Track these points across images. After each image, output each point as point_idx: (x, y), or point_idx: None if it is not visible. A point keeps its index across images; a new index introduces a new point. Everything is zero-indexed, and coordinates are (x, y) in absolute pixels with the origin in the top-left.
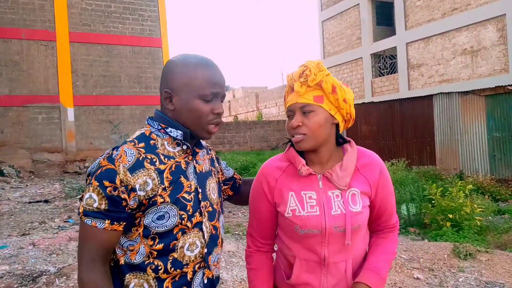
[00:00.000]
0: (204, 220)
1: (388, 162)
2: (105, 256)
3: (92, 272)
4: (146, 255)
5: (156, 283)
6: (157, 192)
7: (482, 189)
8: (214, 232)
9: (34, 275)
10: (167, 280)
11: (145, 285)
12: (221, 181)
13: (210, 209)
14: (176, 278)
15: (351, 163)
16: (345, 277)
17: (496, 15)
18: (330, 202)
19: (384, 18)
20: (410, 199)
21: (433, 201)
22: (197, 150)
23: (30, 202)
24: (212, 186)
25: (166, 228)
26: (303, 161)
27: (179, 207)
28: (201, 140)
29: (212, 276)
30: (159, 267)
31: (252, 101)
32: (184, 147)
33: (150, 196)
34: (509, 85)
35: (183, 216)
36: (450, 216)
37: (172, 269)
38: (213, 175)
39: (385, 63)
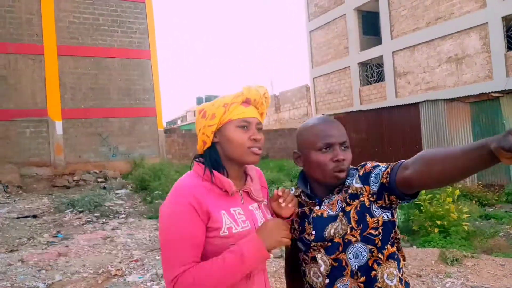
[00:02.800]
0: (318, 255)
1: None
2: None
3: None
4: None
5: None
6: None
7: (470, 194)
8: (335, 264)
9: None
10: None
11: None
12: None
13: (329, 244)
14: None
15: (256, 178)
16: (264, 286)
17: (478, 23)
18: (255, 215)
19: (371, 28)
20: (399, 206)
21: (421, 208)
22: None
23: (18, 218)
24: (334, 226)
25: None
26: (231, 181)
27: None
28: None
29: None
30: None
31: None
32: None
33: None
34: (493, 92)
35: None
36: (438, 222)
37: None
38: (340, 214)
39: (373, 72)
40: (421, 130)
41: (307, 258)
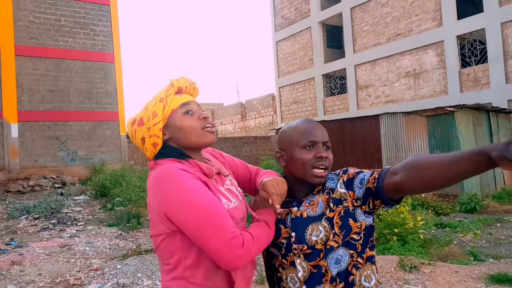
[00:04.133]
0: (298, 260)
1: None
2: None
3: None
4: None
5: None
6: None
7: (426, 204)
8: (314, 270)
9: None
10: None
11: None
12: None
13: (310, 251)
14: None
15: (210, 157)
16: (251, 262)
17: (435, 41)
18: (233, 191)
19: (335, 41)
20: None
21: (380, 216)
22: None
23: None
24: (315, 228)
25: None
26: (207, 164)
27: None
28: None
29: None
30: None
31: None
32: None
33: None
34: (448, 106)
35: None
36: (396, 230)
37: None
38: (323, 219)
39: (336, 84)
40: (381, 140)
41: (285, 262)
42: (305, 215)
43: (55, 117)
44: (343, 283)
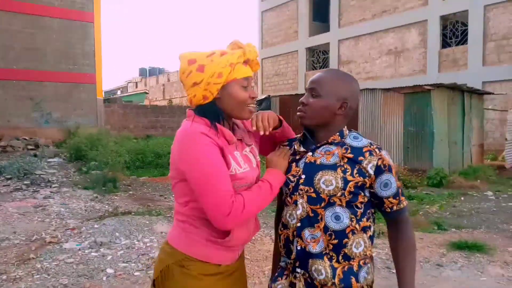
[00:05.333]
0: (300, 200)
1: None
2: None
3: None
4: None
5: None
6: None
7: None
8: (311, 214)
9: None
10: (281, 235)
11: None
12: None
13: (314, 195)
14: (284, 236)
15: (240, 124)
16: (254, 220)
17: (419, 20)
18: (249, 158)
19: (320, 14)
20: None
21: None
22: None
23: None
24: (326, 176)
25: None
26: (231, 132)
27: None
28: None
29: (304, 247)
30: (279, 225)
31: None
32: None
33: None
34: (426, 85)
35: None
36: None
37: (282, 228)
38: (337, 170)
39: (319, 58)
40: (359, 116)
41: (289, 200)
42: (318, 162)
43: (29, 77)
44: (337, 240)
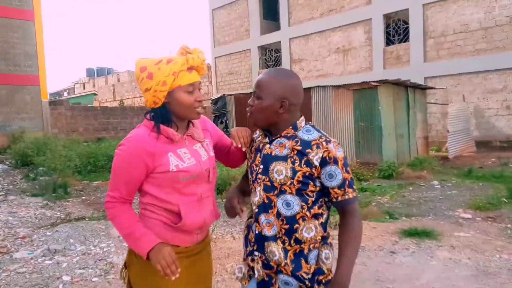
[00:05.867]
0: (258, 188)
1: None
2: None
3: None
4: None
5: None
6: None
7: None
8: (266, 201)
9: None
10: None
11: None
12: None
13: (269, 183)
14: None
15: (197, 123)
16: (212, 208)
17: (364, 18)
18: (198, 153)
19: (271, 13)
20: None
21: None
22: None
23: None
24: (278, 167)
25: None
26: (174, 131)
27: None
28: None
29: (260, 231)
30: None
31: None
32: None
33: None
34: (372, 81)
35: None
36: None
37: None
38: (288, 161)
39: (271, 56)
40: (312, 113)
41: (252, 188)
42: (273, 154)
43: None
44: (288, 225)
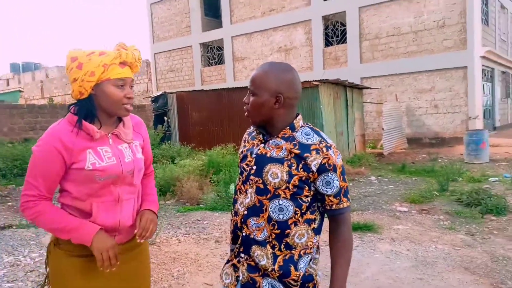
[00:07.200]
0: (250, 190)
1: (218, 146)
2: None
3: None
4: None
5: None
6: None
7: None
8: (258, 204)
9: None
10: (231, 222)
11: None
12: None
13: (262, 186)
14: (233, 222)
15: (129, 123)
16: (132, 210)
17: (304, 19)
18: (123, 153)
19: (212, 10)
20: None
21: None
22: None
23: None
24: (273, 169)
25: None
26: (95, 128)
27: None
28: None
29: (249, 234)
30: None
31: None
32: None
33: None
34: (313, 81)
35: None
36: None
37: (233, 215)
38: (284, 164)
39: (213, 54)
40: None
41: (242, 188)
42: (268, 155)
43: None
44: (279, 230)
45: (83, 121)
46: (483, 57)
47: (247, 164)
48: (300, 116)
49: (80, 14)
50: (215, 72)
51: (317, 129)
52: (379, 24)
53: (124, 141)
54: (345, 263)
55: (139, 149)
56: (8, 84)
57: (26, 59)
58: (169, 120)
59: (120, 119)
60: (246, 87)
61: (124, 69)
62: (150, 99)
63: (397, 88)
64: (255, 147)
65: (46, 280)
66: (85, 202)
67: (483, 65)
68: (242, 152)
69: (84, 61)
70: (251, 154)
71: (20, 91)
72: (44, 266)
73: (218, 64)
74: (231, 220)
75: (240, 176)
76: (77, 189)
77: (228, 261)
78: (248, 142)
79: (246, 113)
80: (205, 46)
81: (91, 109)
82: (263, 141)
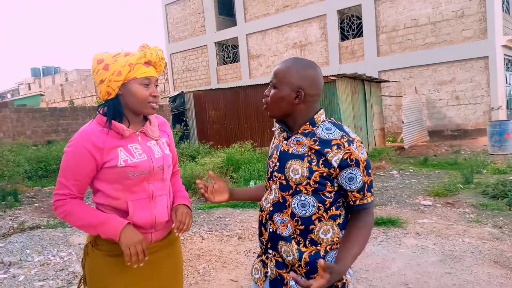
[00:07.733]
0: (274, 186)
1: (235, 144)
2: None
3: None
4: None
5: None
6: None
7: None
8: (281, 200)
9: None
10: (259, 217)
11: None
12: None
13: (285, 182)
14: (259, 218)
15: (155, 121)
16: (166, 206)
17: (318, 14)
18: (152, 149)
19: (226, 9)
20: (258, 176)
21: None
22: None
23: None
24: (294, 165)
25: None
26: (124, 126)
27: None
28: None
29: (275, 229)
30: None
31: (90, 85)
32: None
33: None
34: (330, 76)
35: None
36: None
37: (260, 211)
38: (304, 160)
39: (228, 52)
40: None
41: (268, 185)
42: (290, 151)
43: None
44: (303, 226)
45: (113, 121)
46: (505, 46)
47: (272, 161)
48: (322, 111)
49: (96, 18)
50: (231, 70)
51: (340, 123)
52: (396, 16)
53: (151, 138)
54: (359, 248)
55: (166, 146)
56: (29, 89)
57: (46, 63)
58: (187, 119)
59: (146, 118)
60: (262, 84)
61: (149, 68)
62: (167, 99)
63: (416, 80)
64: (280, 144)
65: (82, 281)
66: (120, 200)
67: (505, 55)
68: (271, 148)
69: (110, 62)
70: (276, 151)
71: (42, 95)
72: (81, 267)
73: (234, 62)
74: (259, 216)
75: (267, 173)
76: (111, 188)
77: (258, 256)
78: (276, 139)
79: (265, 105)
80: (220, 45)
81: (119, 108)
82: (286, 137)
